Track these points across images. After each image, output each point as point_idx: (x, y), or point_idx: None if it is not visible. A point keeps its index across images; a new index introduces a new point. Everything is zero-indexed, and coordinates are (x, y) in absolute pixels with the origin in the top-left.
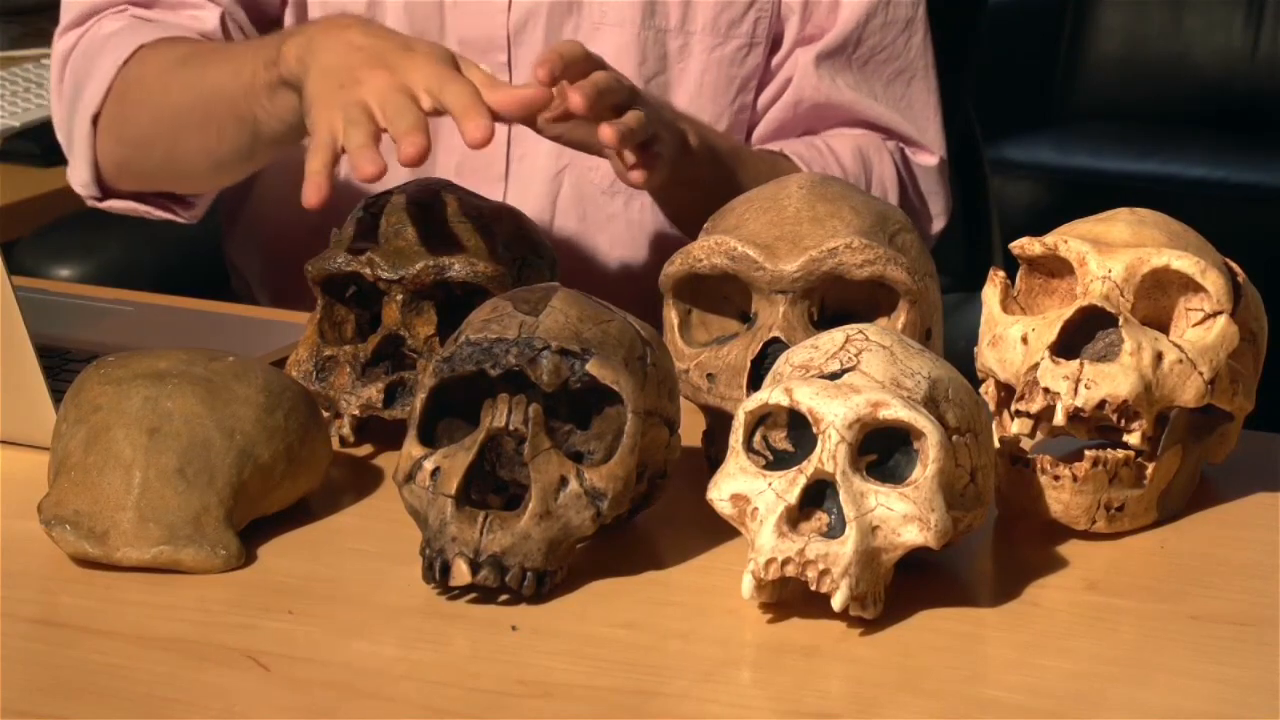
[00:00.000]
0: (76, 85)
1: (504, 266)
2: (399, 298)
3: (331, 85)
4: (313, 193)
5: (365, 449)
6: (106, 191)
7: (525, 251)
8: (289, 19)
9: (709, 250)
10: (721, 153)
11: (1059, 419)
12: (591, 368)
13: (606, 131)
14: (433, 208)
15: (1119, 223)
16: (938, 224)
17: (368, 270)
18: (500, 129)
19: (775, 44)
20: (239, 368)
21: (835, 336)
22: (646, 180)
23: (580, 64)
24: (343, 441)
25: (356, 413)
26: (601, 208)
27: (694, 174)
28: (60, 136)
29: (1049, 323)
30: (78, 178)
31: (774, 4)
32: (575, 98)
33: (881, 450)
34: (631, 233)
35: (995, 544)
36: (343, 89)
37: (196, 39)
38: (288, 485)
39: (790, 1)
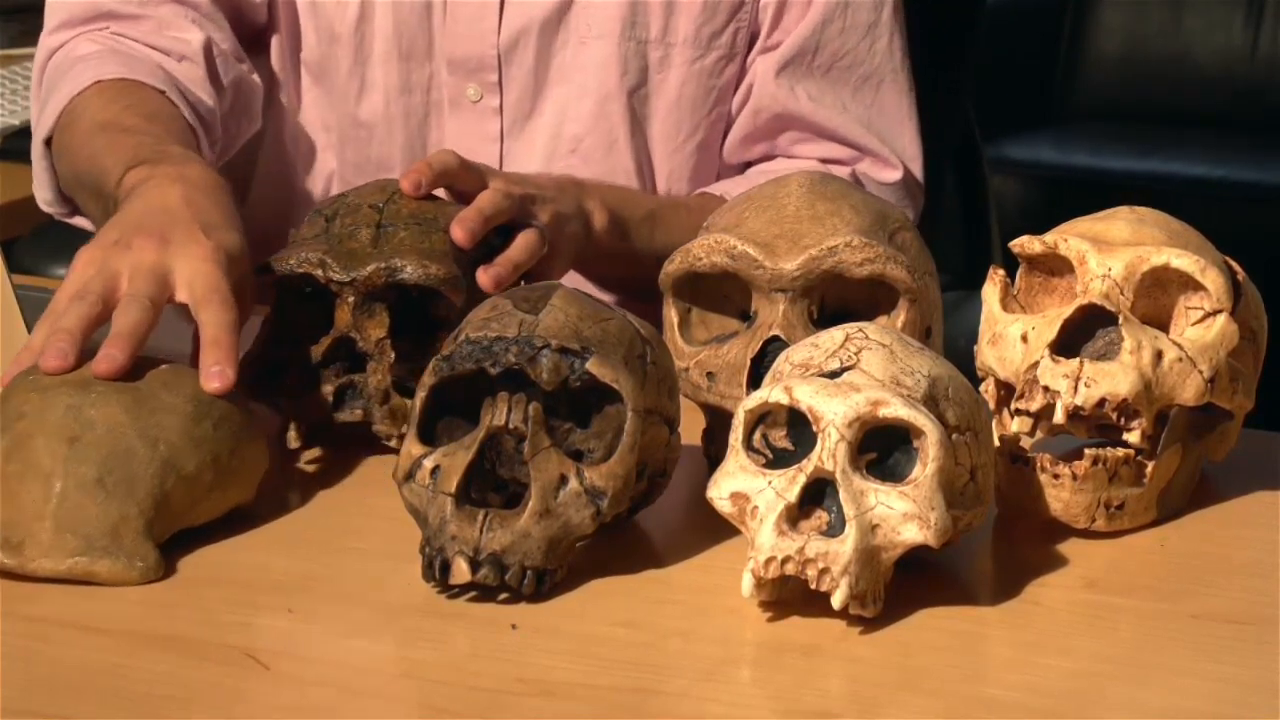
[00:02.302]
0: (43, 101)
1: (458, 269)
2: (351, 299)
3: (109, 238)
4: (9, 372)
5: (365, 448)
6: (74, 209)
7: (480, 254)
8: (275, 48)
9: (709, 249)
10: (633, 223)
11: (1059, 417)
12: (591, 366)
13: (483, 279)
14: (387, 210)
15: (1119, 221)
16: None
17: (320, 272)
18: (493, 145)
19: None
20: (169, 376)
21: (835, 335)
22: (503, 280)
23: (453, 175)
24: (290, 444)
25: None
26: None
27: (603, 251)
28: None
29: (1049, 321)
30: (40, 195)
31: (751, 14)
32: (457, 231)
33: (881, 449)
34: None
35: (995, 543)
36: (115, 246)
37: (141, 89)
38: (216, 496)
39: (765, 6)
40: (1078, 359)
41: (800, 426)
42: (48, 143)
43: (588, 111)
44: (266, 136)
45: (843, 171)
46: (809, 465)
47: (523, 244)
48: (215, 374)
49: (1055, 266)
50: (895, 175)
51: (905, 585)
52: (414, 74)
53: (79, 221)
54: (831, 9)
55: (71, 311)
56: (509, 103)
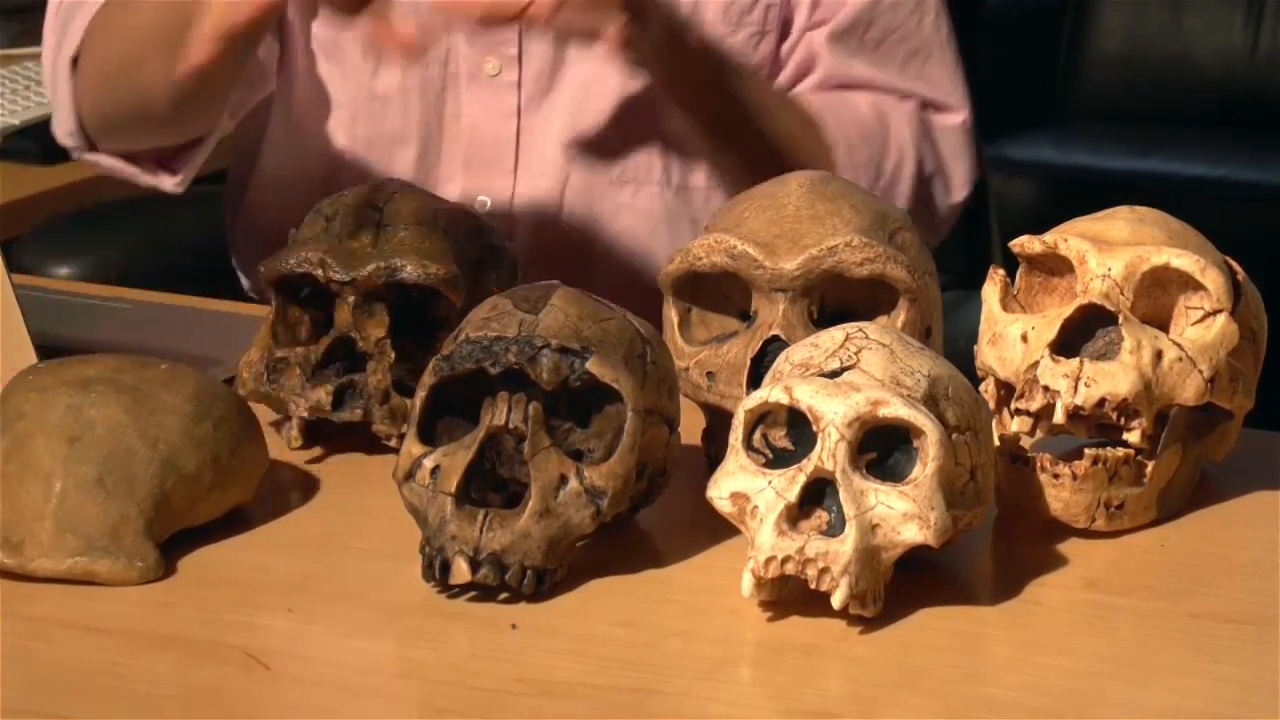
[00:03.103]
0: (61, 30)
1: (458, 269)
2: (350, 299)
3: None
4: (409, 52)
5: (365, 448)
6: (92, 144)
7: (482, 254)
8: (288, 18)
9: (709, 248)
10: (729, 62)
11: (1059, 417)
12: (591, 366)
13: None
14: (387, 209)
15: (1119, 221)
16: (960, 193)
17: (320, 271)
18: (510, 120)
19: (785, 32)
20: (169, 375)
21: (835, 335)
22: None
23: None
24: (290, 444)
25: (305, 415)
26: (610, 198)
27: (692, 71)
28: (47, 89)
29: (1049, 321)
30: (60, 126)
31: None
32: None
33: (881, 448)
34: (639, 223)
35: (995, 542)
36: None
37: None
38: (216, 496)
39: None
40: (1078, 359)
41: (800, 426)
42: (73, 64)
43: (614, 90)
44: (276, 108)
45: (907, 107)
46: (809, 465)
47: None
48: None
49: (1055, 266)
50: (958, 118)
51: (905, 585)
52: (431, 47)
53: (97, 159)
54: None
55: None
56: (528, 77)
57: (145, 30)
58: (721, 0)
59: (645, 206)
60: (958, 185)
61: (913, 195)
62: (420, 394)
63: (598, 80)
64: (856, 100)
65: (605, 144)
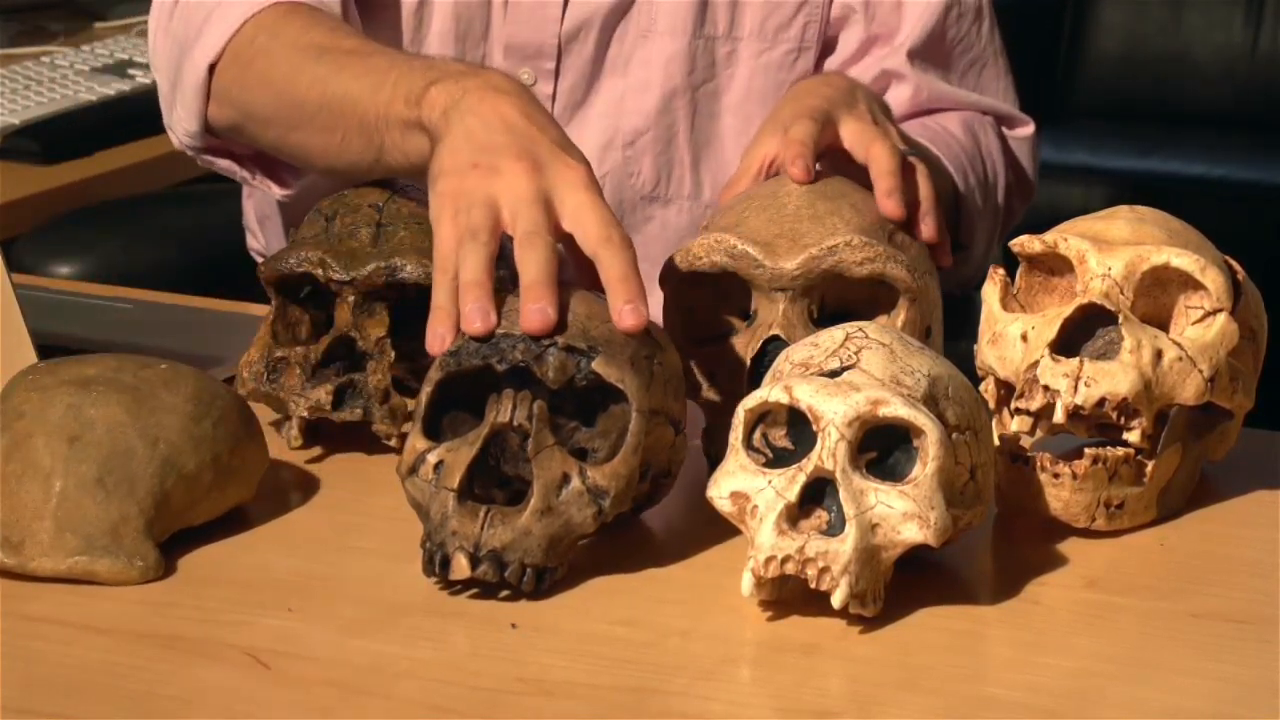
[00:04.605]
0: (189, 23)
1: None
2: (350, 299)
3: (465, 161)
4: (435, 342)
5: (365, 448)
6: (208, 142)
7: None
8: None
9: (709, 248)
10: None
11: (1059, 417)
12: (597, 366)
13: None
14: (387, 209)
15: (1119, 220)
16: (1030, 197)
17: (320, 271)
18: None
19: (828, 49)
20: (169, 375)
21: (835, 334)
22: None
23: (823, 141)
24: (290, 444)
25: (305, 414)
26: (639, 211)
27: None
28: (161, 76)
29: (1049, 320)
30: (183, 126)
31: (824, 9)
32: (890, 205)
33: (881, 448)
34: (668, 236)
35: (995, 542)
36: (475, 170)
37: (334, 20)
38: (216, 495)
39: (850, 2)
40: (1078, 358)
41: (800, 426)
42: (209, 69)
43: (652, 106)
44: None
45: (989, 123)
46: (809, 464)
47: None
48: (629, 311)
49: (1055, 266)
50: (1028, 130)
51: (905, 585)
52: (468, 55)
53: (209, 161)
54: None
55: (470, 259)
56: (562, 90)
57: (314, 114)
58: (758, 15)
59: (674, 220)
60: (1029, 192)
61: (1004, 208)
62: (426, 389)
63: (632, 95)
64: (950, 127)
65: (637, 158)
